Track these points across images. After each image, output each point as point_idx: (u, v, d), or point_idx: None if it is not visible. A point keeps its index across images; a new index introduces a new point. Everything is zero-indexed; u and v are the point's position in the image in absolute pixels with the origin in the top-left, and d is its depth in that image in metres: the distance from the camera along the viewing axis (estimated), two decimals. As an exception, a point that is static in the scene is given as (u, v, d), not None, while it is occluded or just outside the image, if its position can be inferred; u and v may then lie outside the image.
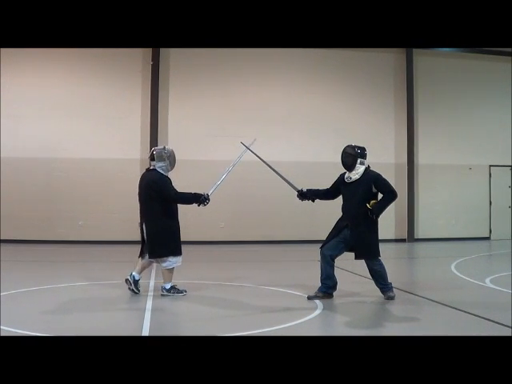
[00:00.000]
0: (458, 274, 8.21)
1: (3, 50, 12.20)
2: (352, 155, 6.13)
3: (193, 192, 6.36)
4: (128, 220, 13.02)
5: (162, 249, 6.30)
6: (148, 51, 13.37)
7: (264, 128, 13.58)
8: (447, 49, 14.31)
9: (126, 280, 6.41)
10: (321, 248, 6.24)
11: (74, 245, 12.42)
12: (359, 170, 6.12)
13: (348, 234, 6.10)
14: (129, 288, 6.40)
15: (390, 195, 6.10)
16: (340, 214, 6.32)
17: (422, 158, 14.76)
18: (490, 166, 15.11)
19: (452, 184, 14.88)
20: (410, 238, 14.47)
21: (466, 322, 5.22)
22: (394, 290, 6.24)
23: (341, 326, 5.17)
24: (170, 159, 6.42)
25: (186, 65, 13.67)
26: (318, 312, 5.54)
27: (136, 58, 13.39)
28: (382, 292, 6.21)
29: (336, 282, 6.23)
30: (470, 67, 15.09)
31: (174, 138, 13.34)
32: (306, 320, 5.18)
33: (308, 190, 6.48)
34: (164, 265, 6.36)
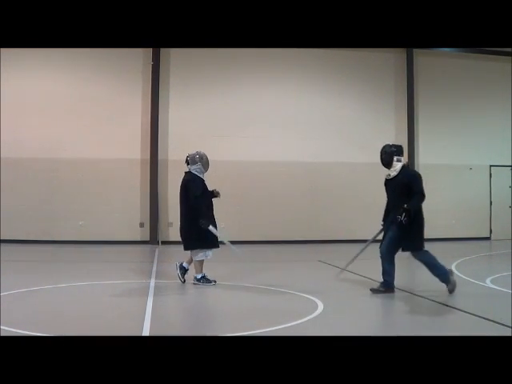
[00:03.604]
0: (459, 274, 8.19)
1: (3, 49, 12.20)
2: (388, 153, 6.49)
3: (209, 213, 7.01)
4: (128, 220, 13.07)
5: (190, 242, 7.00)
6: (148, 51, 13.38)
7: (264, 128, 13.58)
8: (447, 49, 14.30)
9: (176, 265, 7.19)
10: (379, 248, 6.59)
11: (74, 245, 12.42)
12: (396, 166, 6.45)
13: (395, 228, 6.33)
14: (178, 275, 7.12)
15: (419, 196, 6.26)
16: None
17: (423, 157, 14.75)
18: (491, 165, 15.12)
19: (452, 184, 14.87)
20: (411, 238, 14.42)
21: (465, 321, 5.22)
22: (452, 278, 6.43)
23: (341, 325, 5.17)
24: (203, 162, 7.05)
25: (185, 65, 13.68)
26: (318, 312, 5.53)
27: (136, 58, 13.39)
28: (442, 281, 6.44)
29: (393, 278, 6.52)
30: (470, 67, 15.09)
31: (174, 138, 13.36)
32: (306, 320, 5.17)
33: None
34: (193, 257, 7.05)
